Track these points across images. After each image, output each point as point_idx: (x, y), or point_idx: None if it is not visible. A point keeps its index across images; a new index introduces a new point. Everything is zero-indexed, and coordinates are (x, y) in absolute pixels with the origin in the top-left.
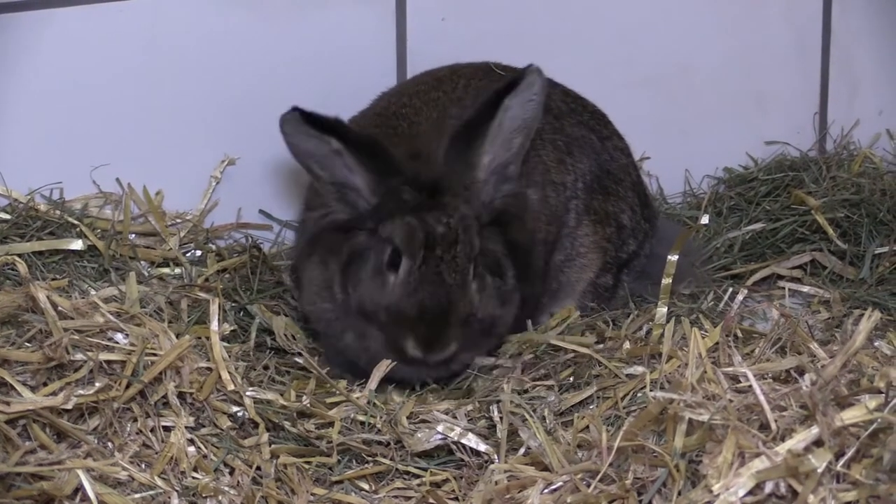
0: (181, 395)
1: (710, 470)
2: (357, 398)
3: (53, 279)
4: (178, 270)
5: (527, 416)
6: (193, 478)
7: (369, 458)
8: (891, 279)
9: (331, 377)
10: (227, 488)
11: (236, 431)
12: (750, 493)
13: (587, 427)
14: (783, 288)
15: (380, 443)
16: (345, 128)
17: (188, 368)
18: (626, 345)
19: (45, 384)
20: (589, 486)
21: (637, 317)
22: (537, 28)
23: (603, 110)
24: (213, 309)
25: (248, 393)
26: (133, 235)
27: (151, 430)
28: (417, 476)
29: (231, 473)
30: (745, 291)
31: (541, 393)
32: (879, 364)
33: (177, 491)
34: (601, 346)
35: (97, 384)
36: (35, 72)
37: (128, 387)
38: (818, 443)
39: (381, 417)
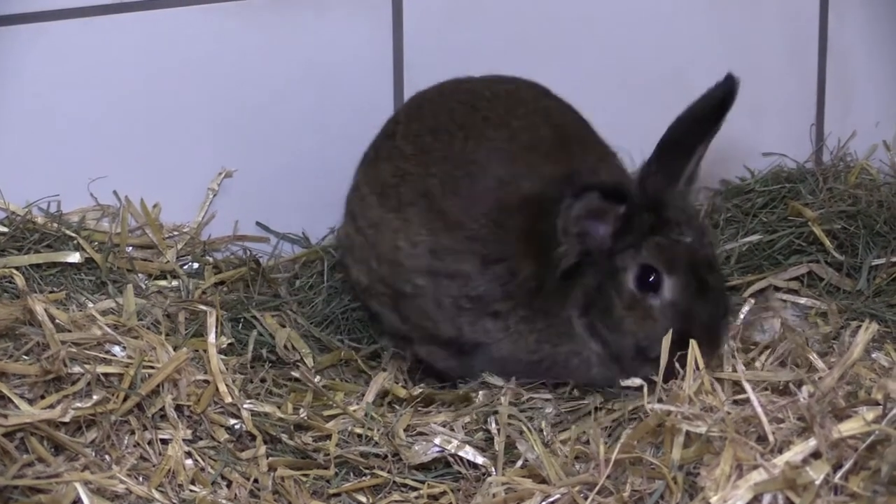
0: (178, 408)
1: (707, 482)
2: (354, 411)
3: (51, 292)
4: (175, 283)
5: (524, 429)
6: (191, 490)
7: (367, 471)
8: (888, 291)
9: None
10: (224, 501)
11: (234, 444)
12: None
13: (586, 439)
14: (782, 300)
15: (377, 455)
16: (629, 191)
17: (185, 381)
18: None
19: (42, 397)
20: (587, 498)
21: None
22: (533, 37)
23: (599, 119)
24: (211, 321)
25: (245, 405)
26: (130, 248)
27: (149, 443)
28: (415, 489)
29: (228, 486)
30: (752, 302)
31: (538, 405)
32: (877, 376)
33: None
34: None
35: (95, 397)
36: (32, 84)
37: (125, 399)
38: (816, 455)
39: (378, 430)
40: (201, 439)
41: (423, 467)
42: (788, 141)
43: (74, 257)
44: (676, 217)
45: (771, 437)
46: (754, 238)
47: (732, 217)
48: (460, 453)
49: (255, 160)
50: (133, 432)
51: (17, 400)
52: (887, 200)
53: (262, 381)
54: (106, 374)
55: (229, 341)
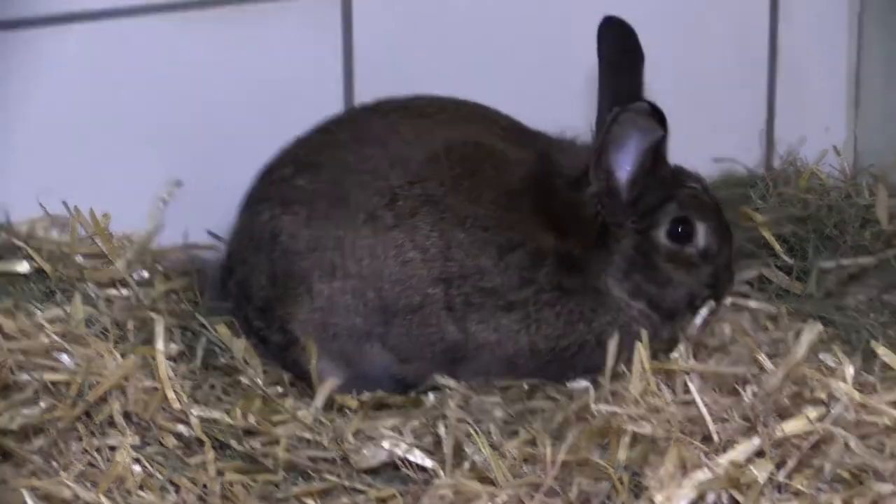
0: (127, 415)
1: (652, 482)
2: (303, 416)
3: None
4: (125, 292)
5: (472, 431)
6: (139, 496)
7: (315, 475)
8: (837, 293)
9: None
10: None
11: (182, 450)
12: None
13: (534, 441)
14: (733, 303)
15: (326, 459)
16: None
17: (134, 388)
18: None
19: None
20: (533, 499)
21: None
22: (485, 51)
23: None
24: (159, 329)
25: (193, 411)
26: (80, 257)
27: (97, 450)
28: (363, 492)
29: (177, 492)
30: (713, 304)
31: (487, 407)
32: (824, 377)
33: None
34: None
35: (42, 404)
36: None
37: (73, 406)
38: (760, 454)
39: (327, 435)
40: (150, 445)
41: (372, 471)
42: (739, 146)
43: (23, 267)
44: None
45: (715, 437)
46: None
47: None
48: (409, 456)
49: (205, 170)
50: (81, 439)
51: None
52: (837, 205)
53: (212, 387)
54: (54, 382)
55: (179, 349)
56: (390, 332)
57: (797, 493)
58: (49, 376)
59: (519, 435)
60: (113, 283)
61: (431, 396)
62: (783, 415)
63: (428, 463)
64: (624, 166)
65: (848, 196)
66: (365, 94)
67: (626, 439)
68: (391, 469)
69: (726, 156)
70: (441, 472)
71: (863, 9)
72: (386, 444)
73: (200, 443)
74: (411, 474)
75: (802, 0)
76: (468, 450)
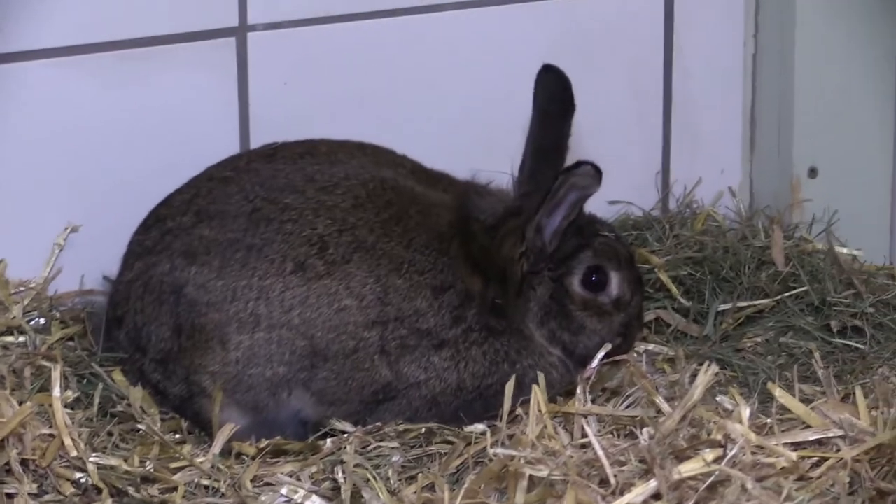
0: (24, 462)
1: None
2: (201, 462)
3: None
4: (22, 339)
5: (370, 477)
6: None
7: None
8: (734, 336)
9: None
10: None
11: (80, 498)
12: None
13: (432, 486)
14: None
15: None
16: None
17: (31, 435)
18: None
19: None
20: None
21: None
22: (381, 92)
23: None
24: (55, 375)
25: (91, 459)
26: None
27: None
28: None
29: None
30: (609, 346)
31: (385, 452)
32: (721, 418)
33: None
34: None
35: None
36: None
37: None
38: (657, 496)
39: (225, 481)
40: (47, 493)
41: None
42: (635, 189)
43: None
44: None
45: (612, 480)
46: None
47: None
48: (307, 503)
49: (101, 214)
50: None
51: None
52: (733, 246)
53: (109, 434)
54: None
55: (76, 395)
56: (316, 376)
57: None
58: None
59: (417, 480)
60: (10, 331)
61: (329, 442)
62: (680, 457)
63: None
64: (553, 221)
65: (744, 238)
66: (261, 135)
67: (524, 483)
68: None
69: (622, 198)
70: None
71: (757, 50)
72: (284, 491)
73: (98, 490)
74: None
75: (697, 42)
76: (366, 495)
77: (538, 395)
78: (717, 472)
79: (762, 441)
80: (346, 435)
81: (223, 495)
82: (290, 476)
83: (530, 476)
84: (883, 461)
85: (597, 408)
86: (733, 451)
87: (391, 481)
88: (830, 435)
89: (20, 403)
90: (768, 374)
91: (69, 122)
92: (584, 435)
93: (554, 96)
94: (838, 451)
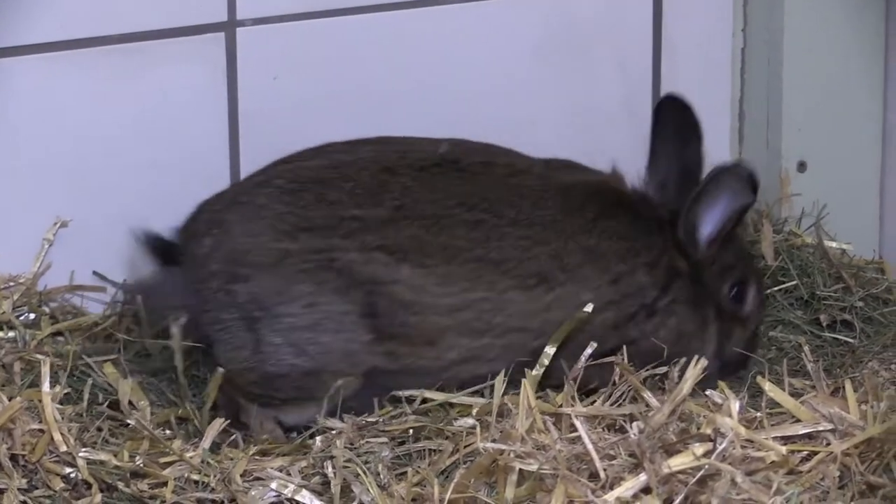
0: (13, 458)
1: None
2: (191, 457)
3: None
4: (11, 334)
5: (359, 472)
6: None
7: None
8: None
9: None
10: None
11: (70, 493)
12: None
13: (422, 481)
14: None
15: (214, 501)
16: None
17: (20, 430)
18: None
19: None
20: None
21: None
22: (372, 86)
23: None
24: (45, 370)
25: (80, 454)
26: None
27: None
28: None
29: None
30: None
31: (375, 448)
32: (710, 412)
33: None
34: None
35: None
36: None
37: None
38: (646, 490)
39: (214, 476)
40: (37, 488)
41: None
42: None
43: None
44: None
45: (602, 474)
46: None
47: None
48: (297, 497)
49: (91, 209)
50: None
51: None
52: None
53: (99, 429)
54: None
55: (66, 391)
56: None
57: None
58: None
59: (407, 475)
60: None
61: (318, 441)
62: (670, 451)
63: (316, 503)
64: (709, 224)
65: None
66: (250, 131)
67: (513, 477)
68: None
69: None
70: None
71: (746, 44)
72: (274, 485)
73: (88, 485)
74: None
75: (685, 36)
76: (356, 490)
77: (527, 388)
78: (706, 466)
79: (752, 435)
80: (334, 432)
81: (213, 490)
82: (280, 471)
83: (520, 470)
84: (873, 455)
85: (583, 408)
86: (723, 445)
87: (381, 476)
88: (820, 429)
89: (10, 399)
90: (758, 368)
91: (57, 117)
92: (574, 429)
93: (686, 122)
94: (828, 444)
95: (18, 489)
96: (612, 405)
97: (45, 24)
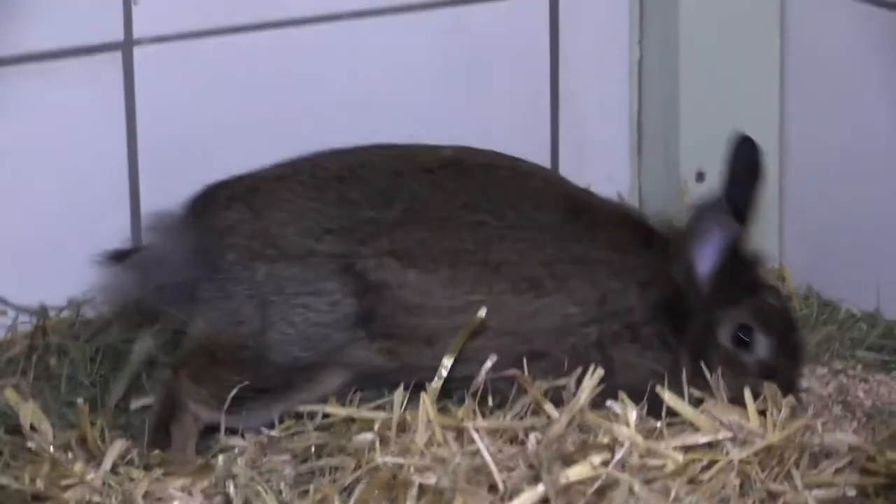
0: None
1: None
2: (92, 479)
3: None
4: None
5: (261, 490)
6: None
7: None
8: None
9: None
10: None
11: None
12: None
13: (325, 498)
14: None
15: None
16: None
17: None
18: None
19: None
20: None
21: None
22: (272, 105)
23: None
24: None
25: None
26: None
27: None
28: None
29: None
30: (496, 358)
31: (278, 467)
32: (610, 423)
33: None
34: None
35: None
36: None
37: None
38: (545, 501)
39: (115, 498)
40: None
41: None
42: None
43: None
44: (762, 277)
45: (501, 485)
46: None
47: None
48: None
49: None
50: None
51: None
52: None
53: (0, 453)
54: None
55: None
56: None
57: None
58: None
59: (309, 492)
60: None
61: (220, 459)
62: (568, 461)
63: None
64: (704, 261)
65: None
66: (149, 153)
67: (413, 491)
68: None
69: None
70: None
71: (642, 56)
72: None
73: None
74: None
75: (582, 48)
76: None
77: (426, 402)
78: (604, 476)
79: (650, 444)
80: (236, 450)
81: None
82: (182, 491)
83: (420, 484)
84: (773, 462)
85: (484, 422)
86: (620, 454)
87: (283, 494)
88: (720, 437)
89: None
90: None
91: None
92: (473, 441)
93: (748, 166)
94: (728, 453)
95: None
96: (513, 418)
97: None
